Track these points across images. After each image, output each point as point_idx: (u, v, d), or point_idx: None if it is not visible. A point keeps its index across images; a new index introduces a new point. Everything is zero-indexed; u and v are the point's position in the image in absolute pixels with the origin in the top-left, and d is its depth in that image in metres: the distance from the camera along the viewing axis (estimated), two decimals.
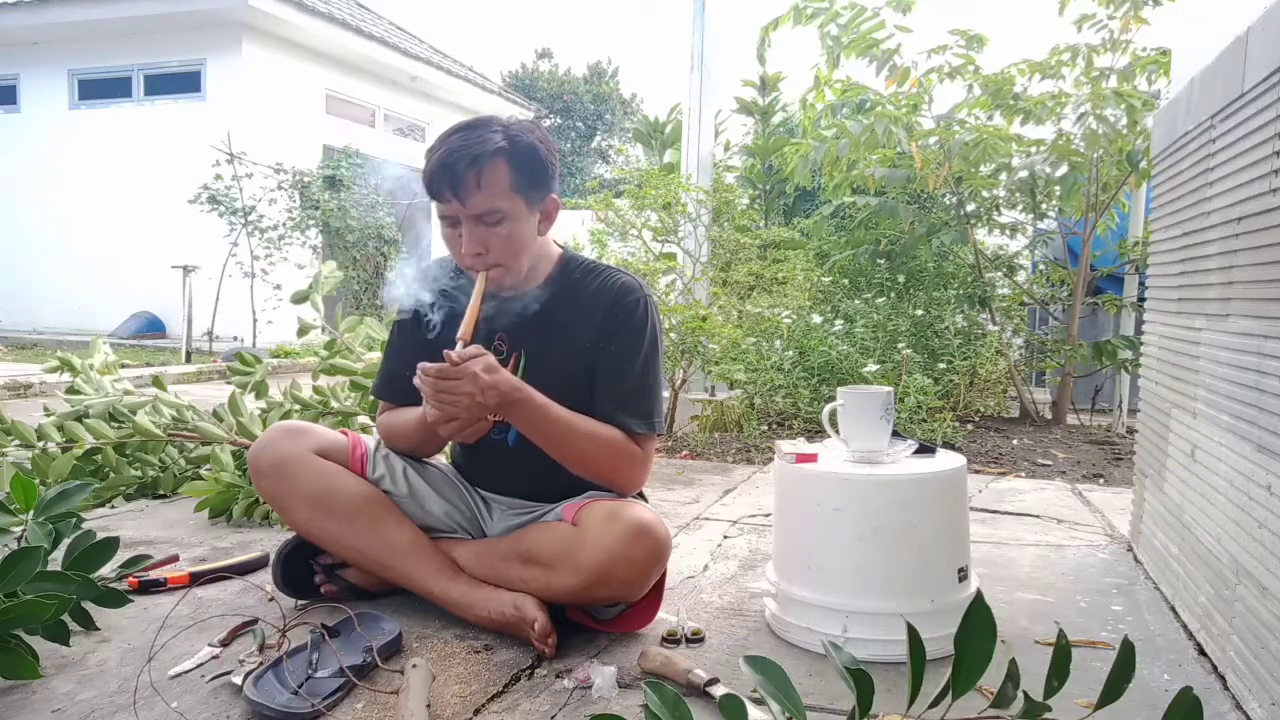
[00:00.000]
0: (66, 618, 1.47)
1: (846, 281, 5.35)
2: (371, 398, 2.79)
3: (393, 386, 1.78)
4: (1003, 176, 4.72)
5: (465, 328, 1.50)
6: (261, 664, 1.39)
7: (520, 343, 1.68)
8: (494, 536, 1.74)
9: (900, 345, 4.33)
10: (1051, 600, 1.90)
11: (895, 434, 1.66)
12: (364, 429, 2.53)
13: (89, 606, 1.57)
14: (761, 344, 4.37)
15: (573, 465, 1.61)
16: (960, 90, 4.58)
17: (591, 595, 1.54)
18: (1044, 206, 4.94)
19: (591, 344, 1.65)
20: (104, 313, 10.43)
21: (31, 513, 1.59)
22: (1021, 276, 5.40)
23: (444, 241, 1.61)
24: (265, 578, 1.84)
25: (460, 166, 1.51)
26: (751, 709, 1.13)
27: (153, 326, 10.50)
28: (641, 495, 1.76)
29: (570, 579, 1.52)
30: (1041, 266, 5.46)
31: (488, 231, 1.55)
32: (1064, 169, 4.46)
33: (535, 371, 1.64)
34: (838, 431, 1.68)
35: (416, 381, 1.48)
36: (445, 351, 1.45)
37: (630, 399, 1.63)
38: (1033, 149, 4.53)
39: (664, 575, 1.63)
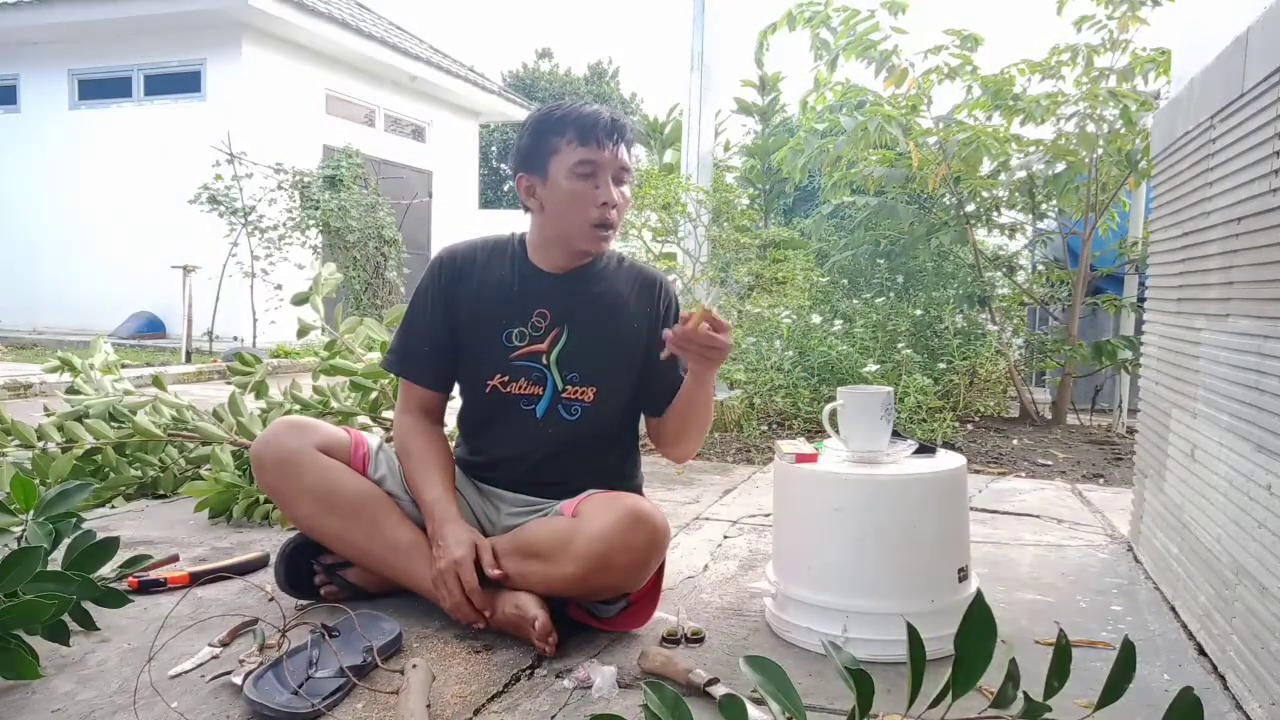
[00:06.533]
0: (66, 618, 1.47)
1: (846, 281, 5.35)
2: (373, 395, 2.79)
3: (406, 361, 1.78)
4: (1002, 176, 4.72)
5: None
6: (261, 664, 1.39)
7: (564, 319, 1.72)
8: (494, 537, 1.74)
9: (900, 345, 4.33)
10: (1051, 600, 1.90)
11: (895, 434, 1.66)
12: (364, 428, 2.53)
13: (89, 606, 1.57)
14: (761, 344, 4.37)
15: (702, 424, 1.74)
16: (960, 91, 4.59)
17: (590, 585, 1.53)
18: (1043, 206, 4.94)
19: (640, 323, 1.74)
20: (104, 313, 10.41)
21: (31, 513, 1.59)
22: (1021, 276, 5.39)
23: (569, 198, 1.63)
24: (265, 578, 1.85)
25: (626, 123, 1.67)
26: (751, 709, 1.13)
27: (153, 326, 10.48)
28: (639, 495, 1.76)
29: (569, 568, 1.52)
30: (1041, 266, 5.46)
31: (620, 190, 1.67)
32: (1060, 168, 4.46)
33: (584, 346, 1.71)
34: (838, 431, 1.68)
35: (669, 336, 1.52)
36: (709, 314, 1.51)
37: None
38: (1031, 149, 4.53)
39: (662, 569, 1.64)
